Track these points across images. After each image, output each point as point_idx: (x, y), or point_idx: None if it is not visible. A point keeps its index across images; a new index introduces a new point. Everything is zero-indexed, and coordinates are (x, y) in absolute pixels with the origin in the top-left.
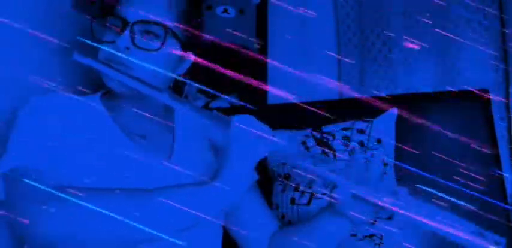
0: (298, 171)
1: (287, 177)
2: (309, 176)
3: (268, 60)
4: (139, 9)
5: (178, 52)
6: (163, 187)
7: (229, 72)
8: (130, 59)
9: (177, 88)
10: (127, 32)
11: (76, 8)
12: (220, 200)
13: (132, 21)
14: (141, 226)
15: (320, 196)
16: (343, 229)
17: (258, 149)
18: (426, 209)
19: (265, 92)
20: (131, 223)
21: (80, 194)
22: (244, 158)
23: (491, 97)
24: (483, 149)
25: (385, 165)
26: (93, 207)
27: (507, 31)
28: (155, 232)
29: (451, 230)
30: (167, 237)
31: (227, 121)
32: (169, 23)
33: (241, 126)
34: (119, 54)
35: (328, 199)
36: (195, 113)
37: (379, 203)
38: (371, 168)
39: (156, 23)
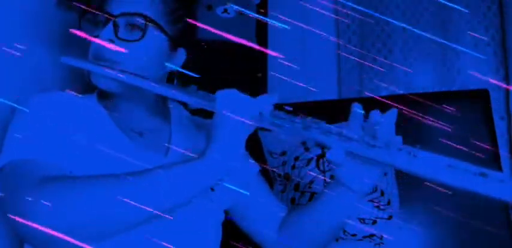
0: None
1: (287, 177)
2: (309, 176)
3: (268, 60)
4: (123, 2)
5: (163, 45)
6: (151, 169)
7: (229, 72)
8: (114, 51)
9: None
10: (110, 25)
11: (61, 6)
12: (208, 174)
13: (115, 14)
14: (130, 210)
15: None
16: (345, 199)
17: (243, 122)
18: (423, 157)
19: (265, 92)
20: (122, 208)
21: (73, 183)
22: (231, 131)
23: (491, 97)
24: (483, 149)
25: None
26: (84, 194)
27: (507, 31)
28: (145, 215)
29: (451, 175)
30: (153, 222)
31: (213, 100)
32: (153, 16)
33: (225, 99)
34: (103, 48)
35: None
36: (184, 97)
37: (374, 157)
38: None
39: (138, 15)
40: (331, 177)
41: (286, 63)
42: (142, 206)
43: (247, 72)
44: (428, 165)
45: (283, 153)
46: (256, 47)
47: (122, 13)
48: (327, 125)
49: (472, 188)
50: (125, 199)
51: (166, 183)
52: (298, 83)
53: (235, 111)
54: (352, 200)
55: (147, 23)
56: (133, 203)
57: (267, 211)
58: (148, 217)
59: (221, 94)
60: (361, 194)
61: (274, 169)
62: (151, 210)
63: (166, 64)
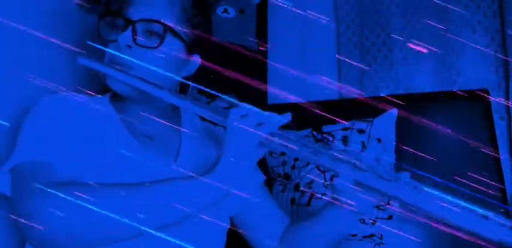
0: (296, 169)
1: (287, 176)
2: (309, 175)
3: (268, 60)
4: (142, 8)
5: (180, 52)
6: (157, 181)
7: (229, 72)
8: (130, 57)
9: (183, 91)
10: (129, 30)
11: (82, 9)
12: (213, 191)
13: (134, 20)
14: (135, 219)
15: (320, 196)
16: (348, 220)
17: (255, 141)
18: (429, 194)
19: (265, 92)
20: (128, 216)
21: (78, 190)
22: (240, 149)
23: (491, 97)
24: (483, 149)
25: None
26: (89, 203)
27: (507, 31)
28: (149, 225)
29: (454, 214)
30: (161, 231)
31: (225, 115)
32: (171, 23)
33: (237, 117)
34: (120, 52)
35: (327, 199)
36: (196, 108)
37: (381, 189)
38: (367, 154)
39: (157, 22)
40: (332, 178)
41: (287, 62)
42: (150, 218)
43: (247, 72)
44: (433, 201)
45: (283, 153)
46: (256, 46)
47: (140, 19)
48: (337, 151)
49: (472, 229)
50: (131, 210)
51: (175, 197)
52: (298, 83)
53: (247, 129)
54: (353, 218)
55: (165, 30)
56: (141, 214)
57: (269, 221)
58: (155, 228)
59: (234, 111)
60: (362, 213)
61: (274, 169)
62: (158, 221)
63: (181, 70)
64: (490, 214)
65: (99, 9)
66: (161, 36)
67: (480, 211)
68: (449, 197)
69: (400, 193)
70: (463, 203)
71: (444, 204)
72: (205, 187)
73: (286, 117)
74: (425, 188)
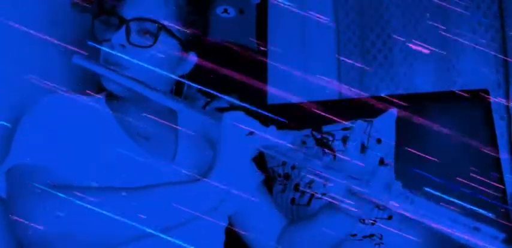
0: (296, 171)
1: (287, 176)
2: (309, 176)
3: (268, 60)
4: (136, 7)
5: (175, 50)
6: (155, 185)
7: (229, 72)
8: (124, 56)
9: (178, 90)
10: (122, 30)
11: (76, 8)
12: (210, 197)
13: (128, 18)
14: (133, 223)
15: (320, 196)
16: (343, 224)
17: (249, 145)
18: (420, 204)
19: (265, 92)
20: (125, 220)
21: (77, 192)
22: (234, 154)
23: (491, 97)
24: (483, 149)
25: (385, 165)
26: (88, 205)
27: (507, 31)
28: (147, 229)
29: (445, 225)
30: (159, 234)
31: (220, 118)
32: (165, 22)
33: (231, 122)
34: (114, 52)
35: (327, 199)
36: (190, 112)
37: (372, 198)
38: (366, 160)
39: (151, 20)
40: None
41: (287, 62)
42: (150, 221)
43: (247, 72)
44: (424, 211)
45: None
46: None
47: (134, 18)
48: (329, 159)
49: (463, 241)
50: (131, 213)
51: (176, 200)
52: (298, 83)
53: (241, 134)
54: (352, 219)
55: (160, 29)
56: (141, 217)
57: (266, 221)
58: (155, 230)
59: (228, 116)
60: (360, 215)
61: (274, 169)
62: (158, 224)
63: (177, 69)
64: (482, 227)
65: (93, 8)
66: (155, 35)
67: (472, 223)
68: (441, 208)
69: (391, 203)
70: (455, 214)
71: (435, 215)
72: (207, 190)
73: (284, 144)
74: (417, 198)
